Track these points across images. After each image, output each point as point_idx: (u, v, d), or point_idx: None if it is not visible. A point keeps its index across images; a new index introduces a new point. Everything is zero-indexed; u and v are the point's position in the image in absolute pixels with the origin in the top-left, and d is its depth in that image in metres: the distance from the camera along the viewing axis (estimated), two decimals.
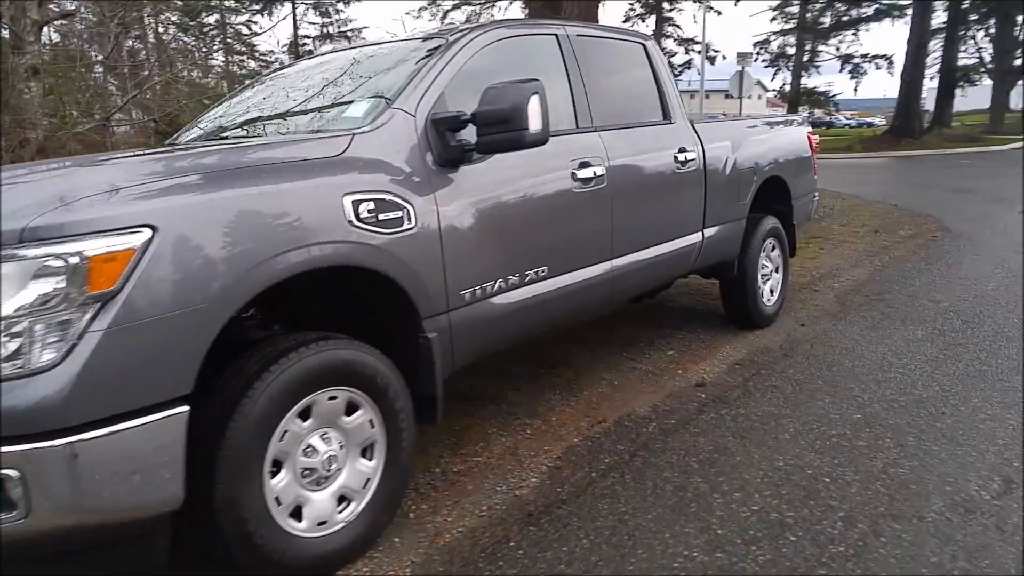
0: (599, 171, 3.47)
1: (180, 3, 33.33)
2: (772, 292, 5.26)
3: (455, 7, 43.96)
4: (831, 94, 35.16)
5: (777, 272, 5.32)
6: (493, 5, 30.72)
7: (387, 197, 2.51)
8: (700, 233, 4.38)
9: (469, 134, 2.81)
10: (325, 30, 33.43)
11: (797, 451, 3.26)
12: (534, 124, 2.73)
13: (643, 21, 52.97)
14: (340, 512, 2.46)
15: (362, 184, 2.46)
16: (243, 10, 33.06)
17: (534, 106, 2.72)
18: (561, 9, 11.27)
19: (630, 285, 3.90)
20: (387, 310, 2.66)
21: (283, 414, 2.25)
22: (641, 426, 3.59)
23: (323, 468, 2.37)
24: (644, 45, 4.22)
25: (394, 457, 2.58)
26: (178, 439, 1.96)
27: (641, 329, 5.29)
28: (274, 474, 2.28)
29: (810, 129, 5.80)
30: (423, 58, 3.04)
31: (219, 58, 34.13)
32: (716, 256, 4.69)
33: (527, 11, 11.64)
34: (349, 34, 33.33)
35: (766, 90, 77.32)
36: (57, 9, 7.93)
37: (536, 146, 2.84)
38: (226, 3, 32.87)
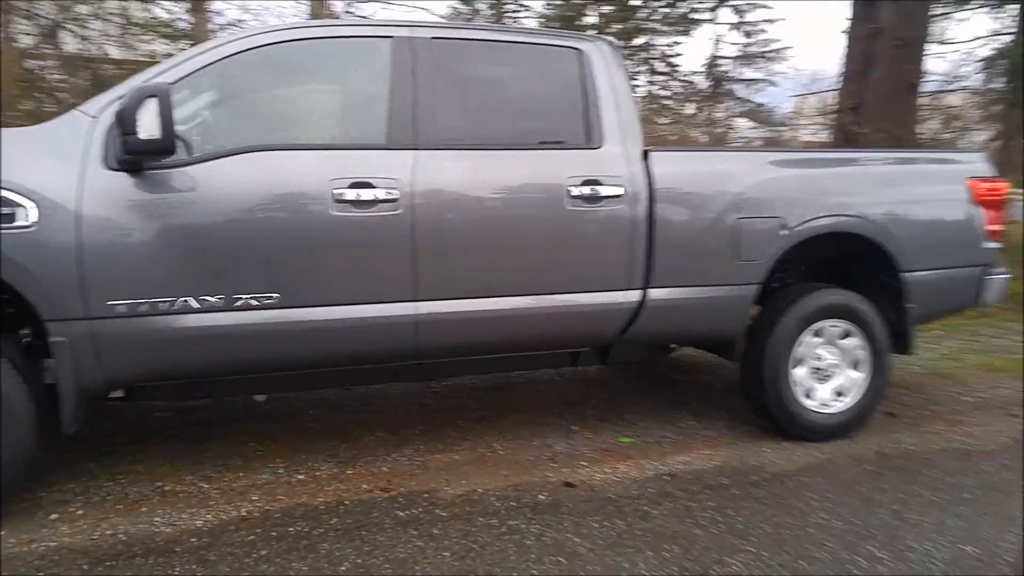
0: (387, 194, 2.94)
1: (618, 27, 35.93)
2: (839, 395, 3.76)
3: None
4: None
5: (855, 369, 3.77)
6: None
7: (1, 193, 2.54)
8: (637, 292, 3.37)
9: None
10: (746, 51, 32.61)
11: None
12: (147, 130, 2.49)
13: None
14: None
15: None
16: (669, 32, 34.03)
17: (149, 111, 2.48)
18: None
19: (460, 340, 3.20)
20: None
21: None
22: (399, 508, 2.97)
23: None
24: (580, 51, 3.38)
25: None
26: None
27: (647, 400, 4.25)
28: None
29: (980, 172, 3.93)
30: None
31: (642, 79, 35.76)
32: (688, 328, 3.56)
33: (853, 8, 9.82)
34: (771, 55, 31.98)
35: None
36: None
37: (151, 155, 2.60)
38: (654, 25, 34.34)
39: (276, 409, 4.04)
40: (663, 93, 29.81)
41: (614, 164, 3.27)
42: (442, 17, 18.88)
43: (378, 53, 3.09)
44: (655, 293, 3.38)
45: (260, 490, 3.07)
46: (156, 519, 2.81)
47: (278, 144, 2.92)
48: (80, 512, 2.85)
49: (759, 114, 22.48)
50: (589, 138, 3.30)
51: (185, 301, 2.76)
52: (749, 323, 3.63)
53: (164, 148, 2.55)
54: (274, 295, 2.87)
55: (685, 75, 32.08)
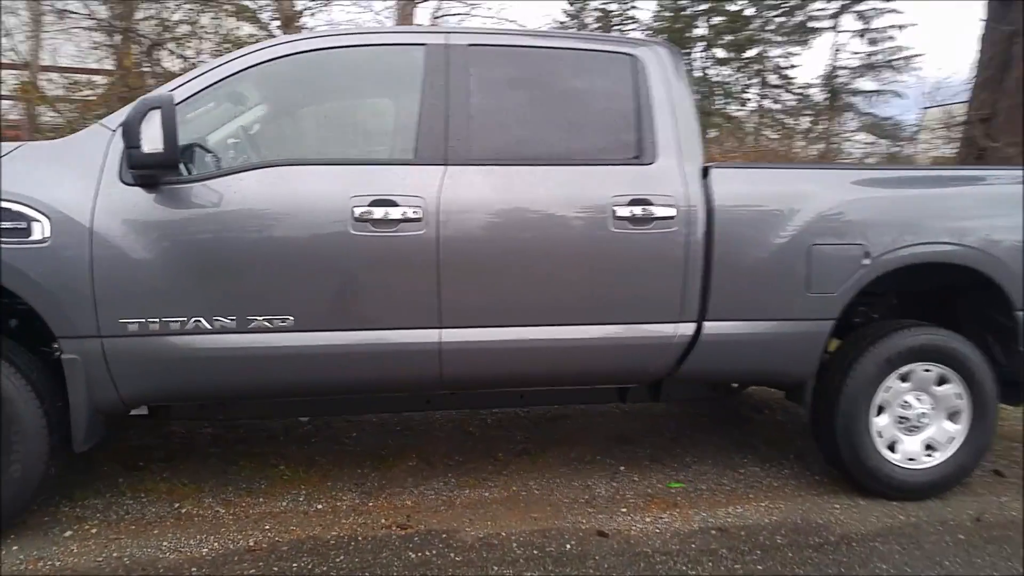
0: (410, 213, 2.76)
1: (729, 38, 34.71)
2: (930, 449, 3.28)
3: None
4: None
5: (952, 421, 3.28)
6: None
7: (12, 207, 2.52)
8: (691, 325, 3.04)
9: None
10: (870, 60, 30.73)
11: None
12: (149, 144, 2.41)
13: None
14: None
15: None
16: (784, 42, 32.60)
17: (152, 123, 2.40)
18: None
19: (488, 371, 2.96)
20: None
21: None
22: (412, 549, 2.77)
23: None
24: (634, 57, 3.09)
25: None
26: None
27: (710, 440, 3.88)
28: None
29: None
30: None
31: (753, 92, 34.33)
32: (748, 367, 3.19)
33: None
34: (898, 64, 29.98)
35: None
36: None
37: (154, 169, 2.49)
38: (768, 36, 32.94)
39: (319, 429, 3.94)
40: (775, 106, 28.43)
41: (668, 182, 2.96)
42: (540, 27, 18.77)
43: (410, 62, 2.92)
44: (711, 327, 3.03)
45: (275, 519, 2.95)
46: (164, 544, 2.73)
47: (297, 159, 2.81)
48: (94, 531, 2.81)
49: (880, 128, 21.11)
50: (641, 153, 3.00)
51: (197, 321, 2.67)
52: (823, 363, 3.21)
53: (167, 162, 2.47)
54: (289, 317, 2.72)
55: (800, 87, 30.47)
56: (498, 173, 2.87)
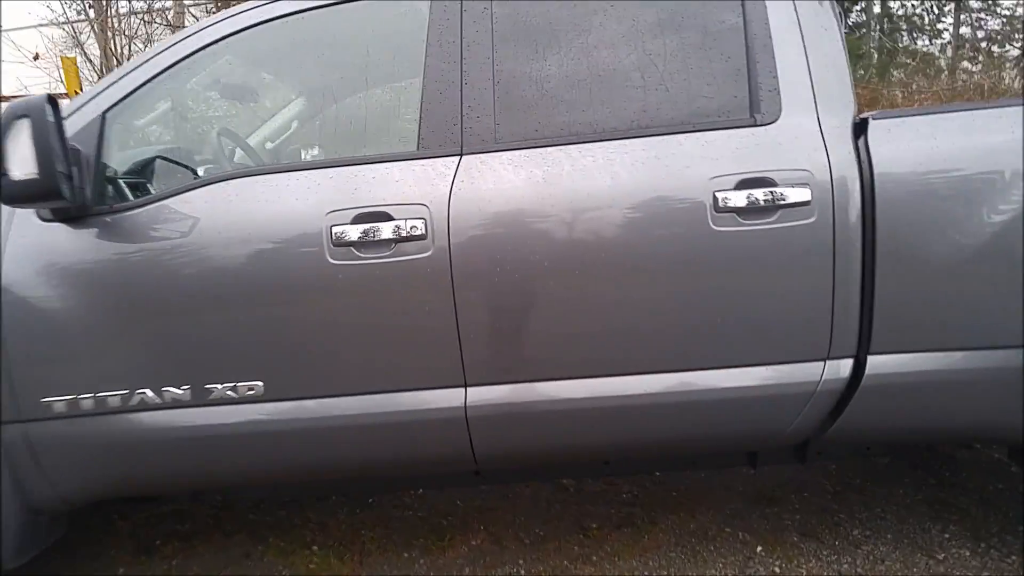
0: (411, 228, 1.94)
1: None
2: None
3: None
4: None
5: None
6: None
7: None
8: (845, 363, 2.01)
9: None
10: None
11: None
12: (18, 167, 1.74)
13: None
14: None
15: None
16: None
17: (19, 140, 1.73)
18: None
19: (537, 442, 2.09)
20: None
21: None
22: None
23: None
24: None
25: None
26: None
27: (894, 496, 2.78)
28: None
29: None
30: None
31: (947, 20, 30.21)
32: (943, 421, 2.09)
33: None
34: None
35: None
36: None
37: (33, 201, 1.81)
38: None
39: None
40: (977, 35, 24.58)
41: (798, 148, 1.95)
42: None
43: (410, 22, 2.09)
44: (879, 363, 1.98)
45: None
46: None
47: (248, 169, 2.07)
48: None
49: None
50: (754, 107, 1.99)
51: (142, 395, 2.00)
52: None
53: (45, 190, 1.78)
54: (256, 383, 1.99)
55: (1009, 9, 26.07)
56: (535, 160, 1.98)
